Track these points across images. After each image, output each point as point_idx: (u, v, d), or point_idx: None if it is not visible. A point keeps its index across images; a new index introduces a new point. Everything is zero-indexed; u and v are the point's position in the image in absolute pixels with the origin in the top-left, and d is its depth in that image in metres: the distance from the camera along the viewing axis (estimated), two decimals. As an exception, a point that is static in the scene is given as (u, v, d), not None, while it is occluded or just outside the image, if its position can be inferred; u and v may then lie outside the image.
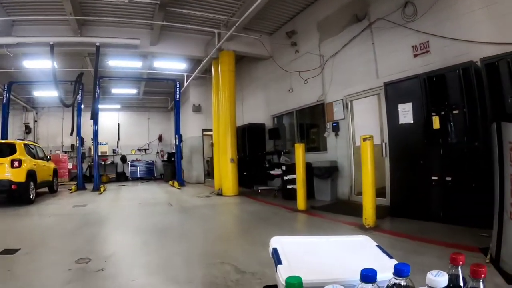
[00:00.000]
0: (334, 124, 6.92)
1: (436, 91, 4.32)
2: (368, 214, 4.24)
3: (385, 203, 5.25)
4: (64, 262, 3.03)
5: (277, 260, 0.98)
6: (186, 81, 11.50)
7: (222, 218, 5.95)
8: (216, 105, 9.24)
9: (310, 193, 6.37)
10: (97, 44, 8.10)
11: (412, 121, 4.57)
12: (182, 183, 11.53)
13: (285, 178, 7.28)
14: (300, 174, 5.89)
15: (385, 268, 0.76)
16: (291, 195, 7.03)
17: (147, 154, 16.28)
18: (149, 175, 15.68)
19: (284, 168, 7.51)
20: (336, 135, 6.87)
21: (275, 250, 1.07)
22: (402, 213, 4.65)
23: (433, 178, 4.34)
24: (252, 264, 2.92)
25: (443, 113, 4.22)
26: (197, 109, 12.89)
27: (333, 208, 5.89)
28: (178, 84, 11.50)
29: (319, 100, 7.38)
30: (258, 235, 4.21)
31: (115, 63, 10.27)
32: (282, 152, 8.32)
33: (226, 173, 8.43)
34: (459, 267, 0.72)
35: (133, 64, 10.52)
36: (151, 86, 13.66)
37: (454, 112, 4.15)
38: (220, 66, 8.73)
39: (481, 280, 0.66)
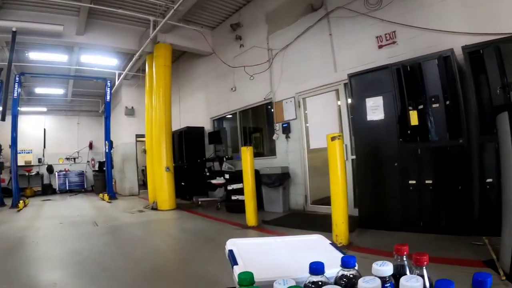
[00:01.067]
0: (284, 125, 6.10)
1: (411, 83, 3.75)
2: (340, 230, 3.41)
3: (351, 212, 4.51)
4: None
5: (233, 261, 1.00)
6: (118, 79, 9.86)
7: (157, 240, 4.57)
8: (149, 106, 7.87)
9: (259, 205, 5.37)
10: (13, 29, 6.40)
11: (383, 117, 3.94)
12: (113, 196, 9.94)
13: (229, 188, 6.18)
14: (248, 184, 4.87)
15: (336, 263, 0.76)
16: (237, 208, 5.97)
17: (77, 164, 14.22)
18: (79, 187, 13.74)
19: (227, 176, 6.42)
20: (287, 137, 6.06)
21: (231, 252, 1.07)
22: (374, 224, 3.95)
23: (410, 182, 3.72)
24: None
25: (421, 107, 3.66)
26: (130, 112, 11.30)
27: (289, 221, 4.99)
28: (109, 84, 9.90)
29: (266, 99, 6.52)
30: (203, 264, 3.16)
31: (37, 56, 8.42)
32: (224, 159, 7.21)
33: (161, 184, 7.12)
34: (404, 257, 0.74)
35: (58, 58, 8.71)
36: (81, 86, 11.72)
37: (434, 106, 3.62)
38: (155, 61, 7.43)
39: (424, 267, 0.68)
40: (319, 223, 4.55)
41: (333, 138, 3.38)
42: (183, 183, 7.78)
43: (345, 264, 0.72)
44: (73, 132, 14.37)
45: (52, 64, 9.08)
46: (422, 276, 0.66)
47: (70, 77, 10.40)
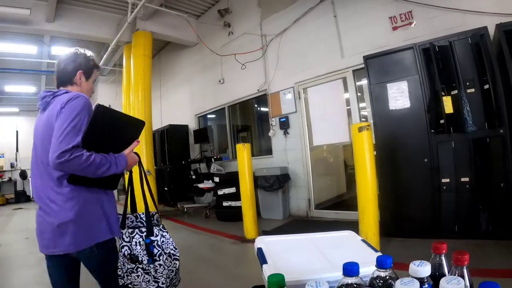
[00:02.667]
0: (282, 120, 5.45)
1: (441, 65, 3.22)
2: (374, 243, 2.77)
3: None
4: None
5: (262, 260, 0.96)
6: None
7: None
8: (127, 102, 7.00)
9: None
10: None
11: (408, 105, 3.37)
12: None
13: (220, 192, 5.45)
14: (246, 188, 4.20)
15: (369, 262, 0.73)
16: (230, 216, 5.28)
17: None
18: None
19: (217, 179, 5.68)
20: (286, 133, 5.41)
21: (259, 250, 1.05)
22: (400, 231, 3.35)
23: (443, 180, 3.17)
24: None
25: (454, 92, 3.12)
26: None
27: (293, 231, 4.25)
28: None
29: (260, 91, 5.84)
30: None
31: (3, 47, 7.43)
32: (212, 159, 6.43)
33: (139, 191, 6.09)
34: (442, 255, 0.70)
35: (27, 49, 7.71)
36: (54, 83, 10.25)
37: (469, 91, 3.09)
38: (133, 51, 6.59)
39: (464, 267, 0.63)
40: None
41: (360, 129, 2.76)
42: (165, 188, 6.94)
43: (380, 264, 0.67)
44: (48, 134, 13.40)
45: (21, 57, 8.05)
46: (463, 277, 0.62)
47: (41, 72, 9.31)
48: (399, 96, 3.39)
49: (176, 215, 6.35)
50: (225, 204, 5.39)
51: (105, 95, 10.14)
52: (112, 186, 1.42)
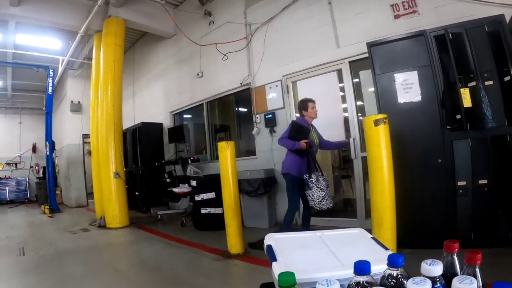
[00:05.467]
0: (267, 116, 4.95)
1: (455, 55, 2.86)
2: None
3: (362, 225, 3.49)
4: None
5: (272, 257, 0.97)
6: (61, 65, 8.01)
7: (100, 285, 2.95)
8: (95, 97, 6.24)
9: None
10: None
11: (420, 99, 2.99)
12: (55, 208, 8.18)
13: (198, 198, 4.84)
14: (230, 194, 3.60)
15: (380, 260, 0.73)
16: (209, 224, 4.71)
17: (19, 170, 12.27)
18: (22, 197, 11.80)
19: (194, 183, 5.05)
20: (272, 131, 4.91)
21: (269, 247, 1.04)
22: (410, 241, 2.91)
23: (459, 183, 2.81)
24: None
25: (472, 84, 2.77)
26: (76, 107, 9.42)
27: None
28: (51, 73, 7.98)
29: (243, 84, 5.30)
30: None
31: None
32: (189, 161, 5.78)
33: (110, 194, 5.60)
34: (454, 254, 0.70)
35: None
36: (21, 77, 9.61)
37: (487, 83, 2.76)
38: (103, 40, 5.91)
39: (476, 266, 0.63)
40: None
41: (376, 122, 2.32)
42: (137, 193, 6.20)
43: (392, 263, 0.67)
44: (14, 133, 12.43)
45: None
46: (475, 277, 0.62)
47: (7, 64, 8.27)
48: (409, 88, 3.00)
49: (149, 223, 5.67)
50: (203, 211, 4.78)
51: (75, 90, 9.27)
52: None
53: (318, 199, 3.12)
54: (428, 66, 2.97)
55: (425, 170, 2.92)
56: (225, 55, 5.35)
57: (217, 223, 4.45)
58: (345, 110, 4.16)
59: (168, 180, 6.09)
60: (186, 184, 5.39)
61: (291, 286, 0.65)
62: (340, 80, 4.15)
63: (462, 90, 2.73)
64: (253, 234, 4.09)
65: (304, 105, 3.51)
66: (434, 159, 2.88)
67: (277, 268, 0.85)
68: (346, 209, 5.23)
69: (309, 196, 3.17)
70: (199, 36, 6.01)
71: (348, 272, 0.69)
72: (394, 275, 0.66)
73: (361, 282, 0.65)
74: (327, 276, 0.68)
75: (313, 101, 3.53)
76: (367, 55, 3.75)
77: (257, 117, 5.10)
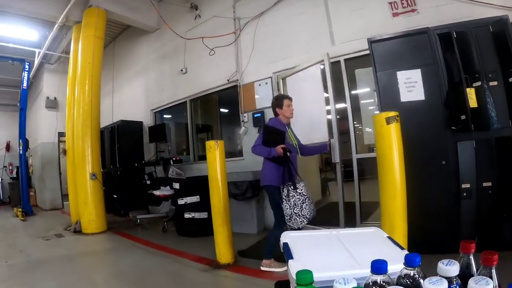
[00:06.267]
0: (256, 115, 4.73)
1: (459, 54, 2.77)
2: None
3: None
4: None
5: (288, 255, 0.97)
6: (37, 58, 7.42)
7: None
8: (72, 92, 5.79)
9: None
10: None
11: (423, 98, 2.87)
12: (29, 211, 7.67)
13: (181, 202, 4.51)
14: (219, 198, 3.31)
15: (396, 259, 0.73)
16: (193, 230, 4.44)
17: None
18: None
19: (176, 186, 4.73)
20: (260, 131, 4.65)
21: (285, 245, 1.06)
22: (410, 246, 2.79)
23: (463, 186, 2.71)
24: None
25: (477, 84, 2.68)
26: (52, 104, 8.78)
27: (277, 250, 3.56)
28: (27, 66, 7.41)
29: (230, 81, 5.04)
30: None
31: None
32: (170, 162, 5.42)
33: (86, 196, 5.21)
34: (470, 255, 0.70)
35: None
36: None
37: (491, 83, 2.68)
38: (83, 31, 5.52)
39: (493, 267, 0.63)
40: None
41: (389, 120, 2.14)
42: (115, 196, 5.77)
43: (409, 262, 0.66)
44: (-14, 130, 11.78)
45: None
46: (491, 277, 0.61)
47: None
48: (412, 86, 2.88)
49: (127, 228, 5.29)
50: (187, 215, 4.46)
51: (52, 86, 8.67)
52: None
53: (297, 212, 2.66)
54: (432, 65, 2.86)
55: (428, 172, 2.79)
56: (212, 49, 5.07)
57: (202, 229, 4.19)
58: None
59: (148, 182, 5.69)
60: (168, 187, 5.04)
61: (309, 284, 0.64)
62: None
63: (468, 90, 2.63)
64: (241, 241, 3.85)
65: (278, 102, 3.05)
66: (437, 161, 2.77)
67: (294, 266, 0.85)
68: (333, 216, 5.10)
69: (287, 209, 2.68)
70: (184, 30, 5.72)
71: (364, 271, 0.69)
72: (411, 274, 0.66)
73: (378, 281, 0.65)
74: (343, 274, 0.67)
75: (289, 98, 3.09)
76: (363, 53, 3.69)
77: (244, 116, 4.86)
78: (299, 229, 2.61)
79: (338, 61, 3.91)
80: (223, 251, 3.19)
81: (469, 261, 0.68)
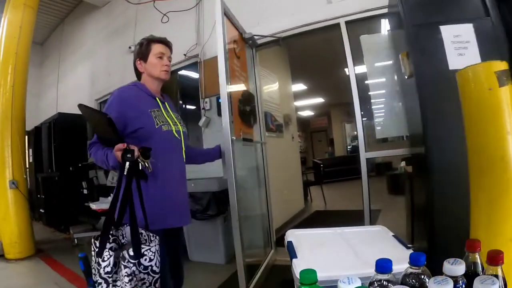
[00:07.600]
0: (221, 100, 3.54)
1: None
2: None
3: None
4: None
5: (292, 254, 0.95)
6: None
7: None
8: None
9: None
10: None
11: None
12: None
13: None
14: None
15: (401, 258, 0.72)
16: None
17: None
18: None
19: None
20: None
21: (290, 244, 1.02)
22: None
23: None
24: None
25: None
26: None
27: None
28: None
29: (188, 56, 3.83)
30: None
31: None
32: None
33: (5, 211, 4.11)
34: (476, 254, 0.68)
35: None
36: None
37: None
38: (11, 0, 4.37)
39: (499, 267, 0.62)
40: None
41: (501, 77, 1.02)
42: (42, 210, 4.65)
43: (414, 261, 0.65)
44: None
45: None
46: (497, 277, 0.60)
47: None
48: (463, 48, 1.78)
49: (62, 251, 4.13)
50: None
51: None
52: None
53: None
54: (487, 19, 1.79)
55: (486, 169, 1.70)
56: (165, 15, 3.81)
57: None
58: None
59: (85, 190, 4.41)
60: (109, 197, 3.79)
61: (313, 284, 0.63)
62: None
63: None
64: (203, 273, 2.79)
65: (143, 50, 1.56)
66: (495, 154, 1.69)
67: (297, 266, 0.87)
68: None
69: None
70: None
71: (369, 271, 0.68)
72: (416, 273, 0.65)
73: (383, 280, 0.64)
74: (348, 274, 0.66)
75: (163, 42, 1.60)
76: (369, 13, 2.62)
77: (206, 102, 3.67)
78: None
79: (337, 24, 2.78)
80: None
81: (474, 260, 0.67)
